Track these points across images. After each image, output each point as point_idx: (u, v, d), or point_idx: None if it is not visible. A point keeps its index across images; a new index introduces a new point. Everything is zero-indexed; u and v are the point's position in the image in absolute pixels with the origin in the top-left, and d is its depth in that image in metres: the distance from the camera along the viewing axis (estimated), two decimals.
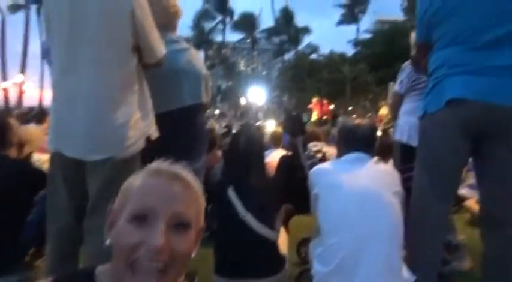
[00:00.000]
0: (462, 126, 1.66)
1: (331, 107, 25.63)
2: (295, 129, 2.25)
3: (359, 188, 1.67)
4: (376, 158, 1.83)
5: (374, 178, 1.72)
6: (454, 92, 1.65)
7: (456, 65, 1.68)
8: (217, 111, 21.67)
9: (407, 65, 2.90)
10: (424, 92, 2.70)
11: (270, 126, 18.75)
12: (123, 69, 1.66)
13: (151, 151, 1.70)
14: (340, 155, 1.92)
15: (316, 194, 1.77)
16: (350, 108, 26.74)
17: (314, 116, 13.23)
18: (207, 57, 42.67)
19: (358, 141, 1.85)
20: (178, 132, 1.99)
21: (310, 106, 15.09)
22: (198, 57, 2.22)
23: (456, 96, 1.64)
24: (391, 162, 3.30)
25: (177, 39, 2.12)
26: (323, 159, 2.70)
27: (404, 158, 2.81)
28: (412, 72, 2.81)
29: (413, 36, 2.84)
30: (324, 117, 12.81)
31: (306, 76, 31.44)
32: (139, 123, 1.69)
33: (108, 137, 1.61)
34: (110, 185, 1.51)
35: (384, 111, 12.74)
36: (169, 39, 2.00)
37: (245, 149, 2.02)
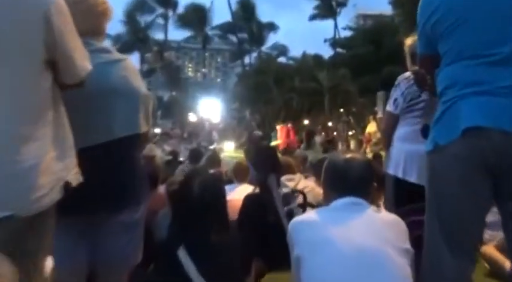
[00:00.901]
0: (481, 161, 1.69)
1: (306, 122, 26.16)
2: (266, 165, 2.22)
3: (354, 247, 1.66)
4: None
5: (374, 232, 1.71)
6: (471, 118, 1.68)
7: (469, 85, 1.73)
8: (157, 131, 21.32)
9: (402, 80, 2.96)
10: (424, 113, 2.78)
11: (228, 149, 18.77)
12: (32, 92, 1.57)
13: (71, 203, 1.62)
14: (327, 200, 1.91)
15: (298, 255, 1.73)
16: (330, 124, 27.35)
17: (273, 143, 13.36)
18: (143, 60, 42.51)
19: (350, 183, 1.84)
20: (109, 174, 1.92)
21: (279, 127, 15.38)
22: (135, 71, 2.17)
23: (474, 124, 1.67)
24: (382, 200, 3.34)
25: (106, 47, 2.07)
26: (304, 203, 2.68)
27: (398, 197, 2.84)
28: (408, 89, 2.87)
29: (409, 41, 2.93)
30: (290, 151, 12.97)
31: (273, 84, 31.98)
32: (54, 166, 1.60)
33: (8, 186, 1.49)
34: (10, 255, 1.36)
35: (371, 127, 13.07)
36: (95, 48, 1.94)
37: (200, 198, 1.99)
